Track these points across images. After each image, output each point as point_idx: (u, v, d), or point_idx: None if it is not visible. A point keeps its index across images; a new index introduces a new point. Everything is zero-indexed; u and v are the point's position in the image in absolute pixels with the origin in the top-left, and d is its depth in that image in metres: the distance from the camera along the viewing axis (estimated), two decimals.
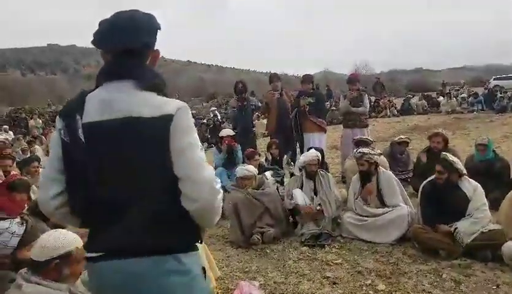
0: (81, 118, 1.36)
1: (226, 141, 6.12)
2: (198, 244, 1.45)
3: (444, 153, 4.24)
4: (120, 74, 1.39)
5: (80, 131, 1.34)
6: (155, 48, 1.48)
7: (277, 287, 3.36)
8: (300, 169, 4.81)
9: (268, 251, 4.14)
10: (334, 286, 3.33)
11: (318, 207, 4.51)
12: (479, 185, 3.93)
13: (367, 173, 4.47)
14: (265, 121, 14.49)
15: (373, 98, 19.60)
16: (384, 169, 4.62)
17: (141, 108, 1.33)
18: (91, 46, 1.47)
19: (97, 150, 1.34)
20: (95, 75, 1.46)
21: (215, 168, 5.98)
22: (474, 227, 3.74)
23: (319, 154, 4.80)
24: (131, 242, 1.32)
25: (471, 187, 3.92)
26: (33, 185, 3.98)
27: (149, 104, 1.35)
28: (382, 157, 5.53)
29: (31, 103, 23.13)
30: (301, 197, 4.61)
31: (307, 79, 6.86)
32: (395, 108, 19.58)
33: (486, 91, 21.18)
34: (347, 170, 5.87)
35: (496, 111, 16.81)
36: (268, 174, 5.52)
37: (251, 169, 4.70)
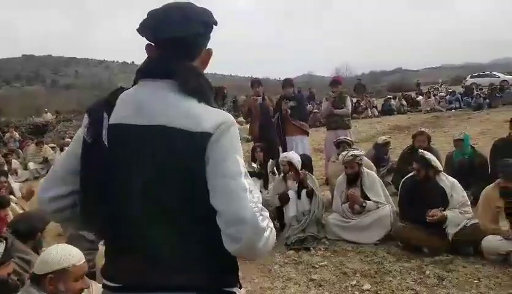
0: (109, 117, 1.17)
1: None
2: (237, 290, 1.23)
3: (421, 151, 4.34)
4: (160, 71, 1.18)
5: (104, 132, 1.15)
6: (208, 47, 1.27)
7: (264, 292, 3.36)
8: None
9: None
10: (320, 288, 3.35)
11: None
12: (456, 180, 4.04)
13: (356, 175, 4.53)
14: (248, 126, 14.55)
15: (354, 100, 19.87)
16: (367, 171, 4.68)
17: (175, 117, 1.11)
18: (68, 55, 1.32)
19: (118, 157, 1.14)
20: (74, 85, 1.32)
21: None
22: (461, 217, 3.85)
23: (293, 156, 4.81)
24: (155, 277, 1.12)
25: (449, 182, 4.03)
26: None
27: (186, 113, 1.12)
28: (365, 158, 5.61)
29: (7, 115, 22.60)
30: (293, 211, 4.58)
31: (288, 83, 6.92)
32: (376, 108, 19.88)
33: (463, 89, 21.69)
34: (330, 173, 5.92)
35: (473, 108, 17.25)
36: (253, 178, 5.53)
37: None
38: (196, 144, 1.09)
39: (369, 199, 4.41)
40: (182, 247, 1.12)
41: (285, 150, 6.56)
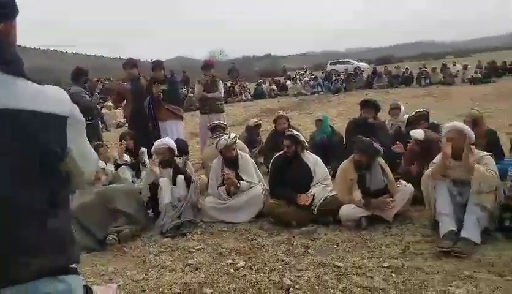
0: None
1: None
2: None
3: (288, 130, 4.66)
4: None
5: None
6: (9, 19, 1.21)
7: (137, 285, 3.22)
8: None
9: (127, 249, 3.93)
10: (197, 271, 3.35)
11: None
12: (318, 157, 4.45)
13: (234, 159, 4.61)
14: (118, 111, 13.68)
15: (228, 83, 20.26)
16: (242, 153, 4.82)
17: (20, 99, 1.10)
18: None
19: None
20: None
21: None
22: (324, 192, 4.24)
23: (168, 142, 4.70)
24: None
25: (312, 159, 4.42)
26: None
27: (30, 94, 1.13)
28: (239, 141, 5.77)
29: None
30: (166, 186, 4.46)
31: (158, 65, 6.60)
32: (249, 92, 20.63)
33: (324, 75, 23.88)
34: (206, 157, 5.94)
35: (332, 92, 19.18)
36: (125, 168, 5.24)
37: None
38: (52, 125, 1.15)
39: (243, 181, 4.56)
40: (30, 232, 1.11)
41: (158, 136, 6.33)
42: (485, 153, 3.65)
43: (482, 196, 3.37)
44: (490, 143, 4.70)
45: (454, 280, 2.88)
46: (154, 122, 6.40)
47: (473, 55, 35.61)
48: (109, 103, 14.34)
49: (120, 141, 5.61)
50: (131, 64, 6.58)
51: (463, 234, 3.33)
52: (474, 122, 4.66)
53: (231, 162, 4.62)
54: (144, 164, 5.36)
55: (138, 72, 6.55)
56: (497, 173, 3.47)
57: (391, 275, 3.03)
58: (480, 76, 18.12)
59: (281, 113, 6.51)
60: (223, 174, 4.56)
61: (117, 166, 5.09)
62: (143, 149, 5.60)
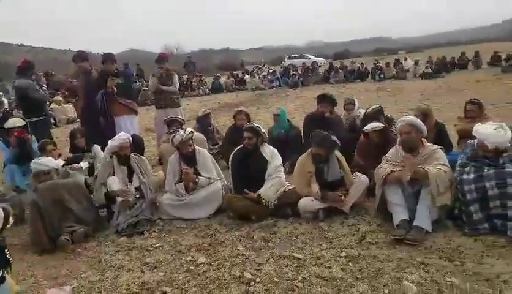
0: None
1: (15, 134, 5.22)
2: None
3: (248, 122, 4.64)
4: None
5: None
6: None
7: (93, 286, 3.09)
8: (111, 156, 4.48)
9: (81, 250, 3.76)
10: (155, 270, 3.27)
11: (136, 193, 4.33)
12: (275, 149, 4.48)
13: (191, 154, 4.53)
14: (68, 106, 13.08)
15: (185, 77, 19.94)
16: (200, 149, 4.74)
17: None
18: None
19: None
20: None
21: (4, 166, 5.12)
22: (273, 189, 4.22)
23: (129, 137, 4.56)
24: None
25: (269, 151, 4.43)
26: None
27: None
28: (198, 134, 5.69)
29: None
30: (117, 185, 4.32)
31: (109, 58, 6.33)
32: (207, 86, 20.41)
33: (282, 69, 24.07)
34: (163, 152, 5.81)
35: (290, 87, 19.38)
36: (82, 164, 5.03)
37: (47, 162, 4.11)
38: None
39: (202, 176, 4.50)
40: None
41: (112, 132, 6.10)
42: (437, 146, 3.83)
43: (441, 198, 3.50)
44: (439, 135, 4.94)
45: (408, 267, 3.00)
46: (108, 117, 6.16)
47: (424, 51, 37.19)
48: (59, 98, 13.68)
49: (71, 138, 5.35)
50: (81, 57, 6.27)
51: (415, 222, 3.47)
52: (424, 115, 4.86)
53: (188, 157, 4.54)
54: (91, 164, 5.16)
55: (89, 65, 6.26)
56: (449, 165, 3.65)
57: (348, 265, 3.11)
58: (430, 71, 18.93)
59: (240, 108, 6.49)
60: (181, 171, 4.47)
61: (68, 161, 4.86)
62: (96, 146, 5.38)
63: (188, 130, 4.61)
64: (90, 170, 5.12)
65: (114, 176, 4.39)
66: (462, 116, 5.36)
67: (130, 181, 4.42)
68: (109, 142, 4.47)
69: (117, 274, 3.26)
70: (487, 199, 3.39)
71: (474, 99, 5.21)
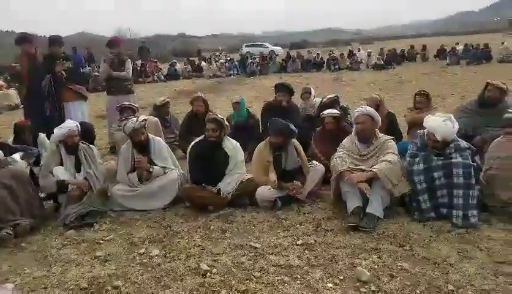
0: None
1: None
2: None
3: (212, 113, 4.51)
4: None
5: None
6: None
7: (38, 282, 2.91)
8: (57, 145, 4.22)
9: (24, 245, 3.52)
10: (106, 264, 3.13)
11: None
12: (238, 144, 4.36)
13: (144, 142, 4.36)
14: (11, 91, 12.25)
15: (139, 63, 19.29)
16: (154, 137, 4.56)
17: None
18: None
19: None
20: None
21: None
22: (232, 185, 4.15)
23: (78, 124, 4.31)
24: None
25: (231, 145, 4.31)
26: None
27: None
28: (151, 117, 5.51)
29: None
30: (63, 175, 4.08)
31: (56, 41, 5.96)
32: (162, 73, 19.88)
33: (240, 57, 23.90)
34: (117, 140, 5.58)
35: (248, 75, 19.31)
36: (17, 156, 4.65)
37: None
38: None
39: (156, 166, 4.35)
40: None
41: (60, 119, 5.77)
42: (389, 137, 3.96)
43: (398, 188, 3.63)
44: (390, 125, 5.11)
45: (361, 253, 3.08)
46: (56, 104, 5.81)
47: (375, 42, 38.41)
48: (1, 83, 12.79)
49: (15, 134, 4.95)
50: (26, 39, 5.83)
51: (368, 209, 3.56)
52: (376, 105, 5.00)
53: (141, 146, 4.37)
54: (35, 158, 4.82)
55: (34, 48, 5.84)
56: (398, 155, 3.78)
57: (305, 252, 3.14)
58: (382, 62, 19.59)
59: (198, 94, 6.33)
60: (134, 160, 4.30)
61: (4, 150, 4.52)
62: (42, 135, 5.04)
63: (141, 117, 4.43)
64: (37, 161, 4.78)
65: (61, 165, 4.15)
66: (411, 106, 5.57)
67: (79, 171, 4.20)
68: (56, 130, 4.20)
69: (65, 269, 3.09)
70: (434, 188, 3.55)
71: (423, 91, 5.42)
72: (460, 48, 21.84)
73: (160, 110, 6.48)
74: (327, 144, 4.60)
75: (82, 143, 4.30)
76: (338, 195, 3.92)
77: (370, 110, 3.97)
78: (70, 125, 4.23)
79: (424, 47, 22.87)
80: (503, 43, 20.74)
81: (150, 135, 4.52)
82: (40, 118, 5.50)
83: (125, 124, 4.38)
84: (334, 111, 4.77)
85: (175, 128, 6.52)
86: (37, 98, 5.69)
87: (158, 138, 4.70)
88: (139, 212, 4.12)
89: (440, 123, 3.58)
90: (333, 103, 5.51)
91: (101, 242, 3.51)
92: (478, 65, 17.99)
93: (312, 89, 6.83)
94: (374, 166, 3.69)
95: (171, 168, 4.42)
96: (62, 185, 4.05)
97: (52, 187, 4.09)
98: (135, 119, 4.35)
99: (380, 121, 3.99)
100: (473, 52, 20.04)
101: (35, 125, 5.13)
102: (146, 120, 4.42)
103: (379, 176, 3.60)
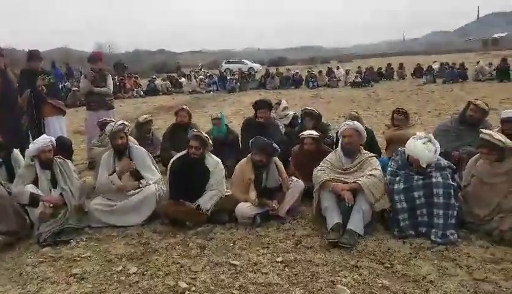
0: None
1: None
2: None
3: (196, 130, 4.49)
4: None
5: None
6: None
7: None
8: (32, 160, 4.12)
9: None
10: (83, 281, 3.05)
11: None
12: (220, 161, 4.34)
13: (124, 147, 4.35)
14: None
15: (117, 78, 19.15)
16: (136, 145, 4.54)
17: None
18: None
19: None
20: None
21: None
22: (212, 200, 4.13)
23: (53, 139, 4.23)
24: None
25: (213, 161, 4.29)
26: None
27: None
28: (130, 138, 5.45)
29: None
30: (35, 191, 3.97)
31: (35, 55, 5.92)
32: (142, 89, 19.77)
33: (219, 73, 24.05)
34: (97, 155, 5.47)
35: (227, 91, 19.42)
36: None
37: None
38: None
39: (140, 175, 4.32)
40: None
41: (39, 133, 5.63)
42: (371, 154, 4.04)
43: (380, 203, 3.68)
44: (368, 141, 5.20)
45: (341, 270, 3.09)
46: (35, 118, 5.73)
47: (353, 61, 39.34)
48: None
49: None
50: None
51: (349, 226, 3.59)
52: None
53: (120, 151, 4.32)
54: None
55: (3, 63, 5.64)
56: (381, 170, 3.84)
57: (284, 270, 3.13)
58: (360, 80, 20.03)
59: (183, 106, 6.42)
60: (115, 167, 4.26)
61: None
62: (16, 151, 4.89)
63: (120, 121, 4.40)
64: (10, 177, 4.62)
65: (37, 180, 4.05)
66: (389, 123, 5.69)
67: (55, 186, 4.10)
68: (31, 145, 4.12)
69: (40, 287, 2.99)
70: (415, 208, 3.61)
71: (401, 109, 5.54)
72: (436, 66, 22.57)
73: (142, 127, 6.43)
74: (304, 165, 4.57)
75: (58, 157, 4.21)
76: (319, 210, 3.93)
77: (358, 125, 4.05)
78: (44, 140, 4.15)
79: (401, 65, 23.53)
80: (478, 62, 21.41)
81: (132, 144, 4.49)
82: (12, 134, 5.33)
83: (106, 127, 4.38)
84: (314, 133, 4.77)
85: (157, 145, 6.46)
86: (8, 114, 5.50)
87: (140, 147, 4.64)
88: (116, 228, 4.04)
89: (422, 148, 3.59)
90: (312, 113, 5.58)
91: (78, 259, 3.42)
92: (454, 84, 18.45)
93: (282, 100, 7.25)
94: (358, 179, 3.73)
95: (151, 178, 4.35)
96: (35, 199, 3.93)
97: (25, 199, 3.96)
98: (113, 122, 4.34)
99: (365, 137, 4.07)
100: (450, 71, 20.62)
101: (8, 141, 4.96)
102: (124, 124, 4.36)
103: (363, 188, 3.64)
